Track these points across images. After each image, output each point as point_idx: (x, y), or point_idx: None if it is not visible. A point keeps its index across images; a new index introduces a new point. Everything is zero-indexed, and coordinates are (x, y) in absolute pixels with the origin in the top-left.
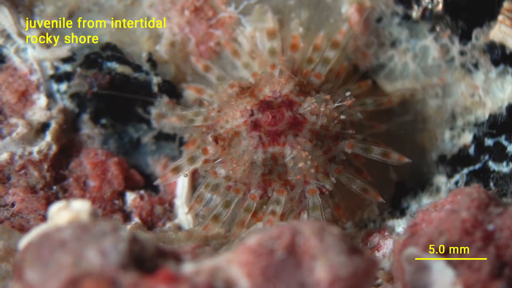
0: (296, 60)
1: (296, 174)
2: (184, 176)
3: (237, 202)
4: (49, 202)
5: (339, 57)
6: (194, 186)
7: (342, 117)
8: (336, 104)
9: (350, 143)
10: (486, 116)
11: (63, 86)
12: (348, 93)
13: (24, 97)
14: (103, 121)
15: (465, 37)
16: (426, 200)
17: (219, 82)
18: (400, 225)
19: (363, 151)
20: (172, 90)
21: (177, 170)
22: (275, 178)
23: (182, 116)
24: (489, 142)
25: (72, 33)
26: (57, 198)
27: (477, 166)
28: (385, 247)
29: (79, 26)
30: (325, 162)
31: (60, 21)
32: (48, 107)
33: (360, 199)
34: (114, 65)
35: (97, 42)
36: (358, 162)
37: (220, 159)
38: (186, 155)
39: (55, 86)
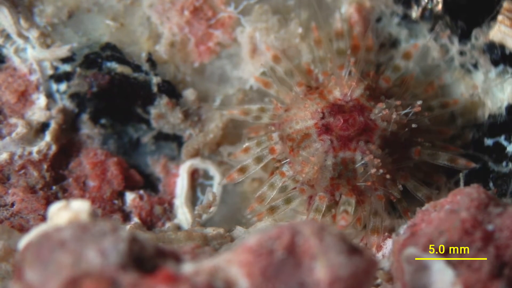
0: (365, 62)
1: (366, 180)
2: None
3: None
4: (48, 202)
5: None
6: (193, 186)
7: (414, 126)
8: (406, 111)
9: (418, 150)
10: (486, 116)
11: (63, 86)
12: (419, 102)
13: (24, 97)
14: (103, 121)
15: (464, 37)
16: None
17: (286, 76)
18: (399, 225)
19: (430, 157)
20: (172, 90)
21: (243, 170)
22: (343, 182)
23: (245, 110)
24: (488, 142)
25: (72, 33)
26: (56, 198)
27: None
28: (385, 247)
29: (78, 26)
30: (393, 169)
31: (59, 21)
32: (48, 107)
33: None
34: (113, 65)
35: (96, 42)
36: (427, 166)
37: (288, 160)
38: (248, 145)
39: (54, 86)
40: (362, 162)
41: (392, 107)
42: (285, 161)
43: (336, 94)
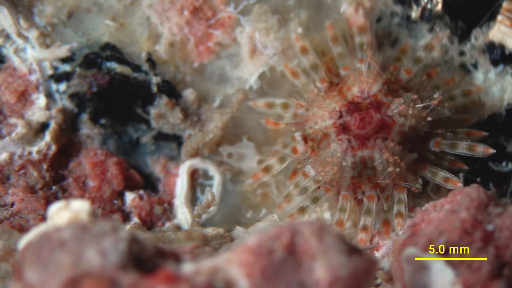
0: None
1: (386, 178)
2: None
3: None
4: (48, 202)
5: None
6: (193, 186)
7: (429, 119)
8: (423, 104)
9: (437, 141)
10: (486, 116)
11: (63, 86)
12: (436, 95)
13: (24, 97)
14: (103, 121)
15: (464, 37)
16: (425, 199)
17: (311, 70)
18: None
19: (449, 148)
20: (172, 90)
21: (267, 170)
22: (364, 181)
23: (269, 103)
24: (488, 142)
25: (72, 33)
26: (56, 198)
27: (477, 166)
28: (385, 247)
29: (78, 26)
30: (413, 164)
31: (59, 21)
32: (48, 107)
33: None
34: (113, 65)
35: (96, 42)
36: (450, 154)
37: (310, 160)
38: (276, 149)
39: (54, 86)
40: (380, 160)
41: (409, 101)
42: (307, 162)
43: (355, 91)
